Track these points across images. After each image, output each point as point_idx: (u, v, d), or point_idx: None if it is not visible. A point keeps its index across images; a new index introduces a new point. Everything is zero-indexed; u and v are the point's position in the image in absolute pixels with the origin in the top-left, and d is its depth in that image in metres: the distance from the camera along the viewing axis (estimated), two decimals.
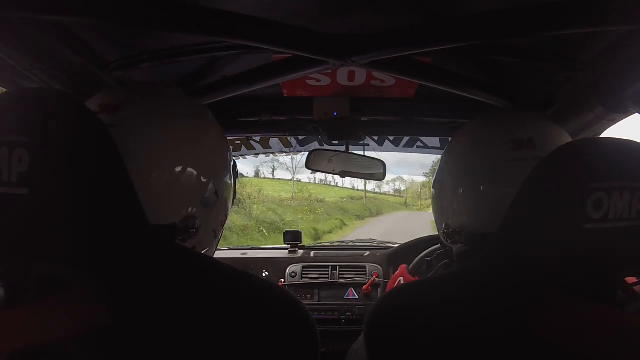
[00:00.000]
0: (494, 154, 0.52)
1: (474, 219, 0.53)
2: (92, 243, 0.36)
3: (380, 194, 35.46)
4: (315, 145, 1.37)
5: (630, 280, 0.41)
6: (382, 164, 1.23)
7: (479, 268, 0.46)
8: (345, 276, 1.44)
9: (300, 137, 1.37)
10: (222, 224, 0.59)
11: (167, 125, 0.49)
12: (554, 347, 0.38)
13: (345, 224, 14.67)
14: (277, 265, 1.49)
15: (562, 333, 0.38)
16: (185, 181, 0.49)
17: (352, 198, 24.16)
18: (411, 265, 1.34)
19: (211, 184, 0.53)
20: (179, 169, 0.49)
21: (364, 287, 1.39)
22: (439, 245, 1.28)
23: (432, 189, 0.66)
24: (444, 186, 0.60)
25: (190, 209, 0.50)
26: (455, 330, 0.42)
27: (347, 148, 1.14)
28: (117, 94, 0.51)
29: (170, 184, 0.48)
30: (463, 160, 0.57)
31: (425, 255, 1.31)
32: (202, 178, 0.52)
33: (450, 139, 0.66)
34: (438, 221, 0.62)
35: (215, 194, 0.54)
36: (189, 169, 0.50)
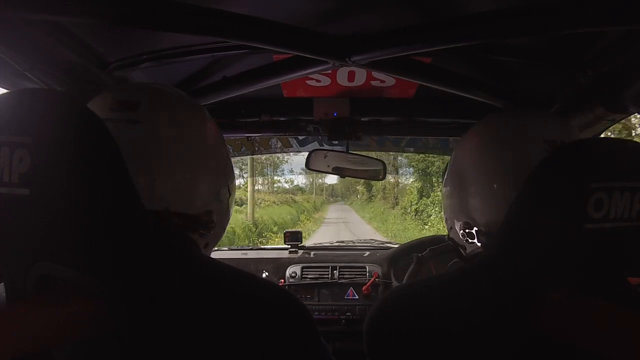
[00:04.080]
0: (528, 154, 0.49)
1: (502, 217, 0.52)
2: (92, 243, 0.36)
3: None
4: (315, 145, 1.37)
5: (634, 280, 0.41)
6: (382, 164, 1.24)
7: (480, 268, 0.46)
8: (345, 276, 1.44)
9: (300, 137, 1.37)
10: (225, 228, 0.59)
11: (184, 122, 0.50)
12: (556, 345, 0.38)
13: None
14: (277, 266, 1.49)
15: (565, 331, 0.38)
16: (204, 177, 0.51)
17: None
18: (409, 271, 1.33)
19: (223, 179, 0.54)
20: (198, 165, 0.50)
21: (364, 287, 1.39)
22: (425, 252, 1.26)
23: (444, 186, 0.64)
24: (465, 184, 0.57)
25: (209, 203, 0.52)
26: (456, 330, 0.42)
27: (347, 148, 1.14)
28: (134, 91, 0.51)
29: (191, 179, 0.49)
30: (493, 157, 0.55)
31: (413, 268, 1.27)
32: (216, 174, 0.53)
33: (461, 137, 0.63)
34: (453, 219, 0.60)
35: (228, 190, 0.56)
36: (207, 165, 0.51)
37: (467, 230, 0.56)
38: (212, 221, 0.52)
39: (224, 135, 0.59)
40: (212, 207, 0.52)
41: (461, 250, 0.61)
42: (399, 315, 0.46)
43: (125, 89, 0.53)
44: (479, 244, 0.54)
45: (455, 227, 0.59)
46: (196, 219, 0.49)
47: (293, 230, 1.70)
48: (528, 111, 0.61)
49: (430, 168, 11.63)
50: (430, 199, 11.51)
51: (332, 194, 31.15)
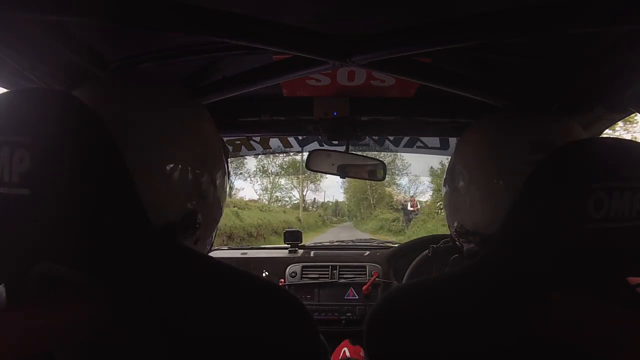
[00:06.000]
0: (511, 155, 0.51)
1: (488, 218, 0.53)
2: (93, 243, 0.36)
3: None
4: (315, 145, 1.37)
5: (634, 280, 0.42)
6: (382, 164, 1.23)
7: (481, 268, 0.46)
8: (345, 276, 1.44)
9: (300, 137, 1.37)
10: (217, 220, 0.59)
11: (169, 118, 0.49)
12: (556, 345, 0.38)
13: None
14: (277, 265, 1.49)
15: (564, 331, 0.38)
16: (187, 173, 0.49)
17: None
18: (411, 266, 1.34)
19: (207, 176, 0.53)
20: (181, 161, 0.49)
21: (364, 287, 1.39)
22: (440, 244, 1.28)
23: (443, 187, 0.65)
24: (457, 185, 0.59)
25: (193, 201, 0.50)
26: (457, 330, 0.42)
27: (347, 148, 1.14)
28: (116, 87, 0.50)
29: (173, 176, 0.48)
30: (479, 160, 0.56)
31: (425, 256, 1.31)
32: (201, 170, 0.52)
33: (458, 138, 0.65)
34: (450, 219, 0.62)
35: (214, 186, 0.54)
36: (190, 162, 0.50)
37: (459, 231, 0.57)
38: (197, 220, 0.50)
39: (223, 136, 0.59)
40: (195, 207, 0.50)
41: (461, 248, 0.61)
42: (399, 310, 0.46)
43: (108, 84, 0.52)
44: (471, 245, 0.55)
45: (452, 227, 0.60)
46: (177, 224, 0.47)
47: (292, 229, 1.70)
48: (514, 112, 0.61)
49: None
50: None
51: (337, 213, 25.14)
